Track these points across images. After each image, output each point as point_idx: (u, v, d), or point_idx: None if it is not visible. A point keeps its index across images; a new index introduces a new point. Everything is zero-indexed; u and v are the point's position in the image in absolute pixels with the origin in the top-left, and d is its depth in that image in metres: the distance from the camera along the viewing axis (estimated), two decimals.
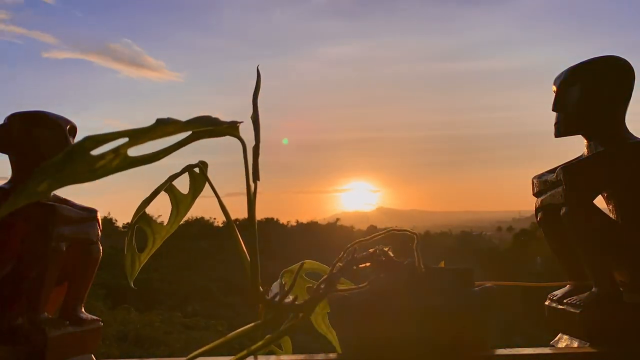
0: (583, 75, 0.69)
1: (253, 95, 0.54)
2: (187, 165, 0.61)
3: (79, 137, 0.74)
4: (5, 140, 0.69)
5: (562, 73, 0.71)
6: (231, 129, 0.50)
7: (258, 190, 0.53)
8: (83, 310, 0.69)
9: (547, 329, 0.69)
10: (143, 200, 0.60)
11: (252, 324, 0.53)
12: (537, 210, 0.72)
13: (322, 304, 0.65)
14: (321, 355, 0.60)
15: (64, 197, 0.71)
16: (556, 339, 0.67)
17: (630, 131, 0.68)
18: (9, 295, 0.62)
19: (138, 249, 0.62)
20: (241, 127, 0.51)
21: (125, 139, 0.36)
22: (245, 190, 0.52)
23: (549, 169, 0.72)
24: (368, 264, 0.57)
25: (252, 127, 0.54)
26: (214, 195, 0.60)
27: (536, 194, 0.72)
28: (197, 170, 0.61)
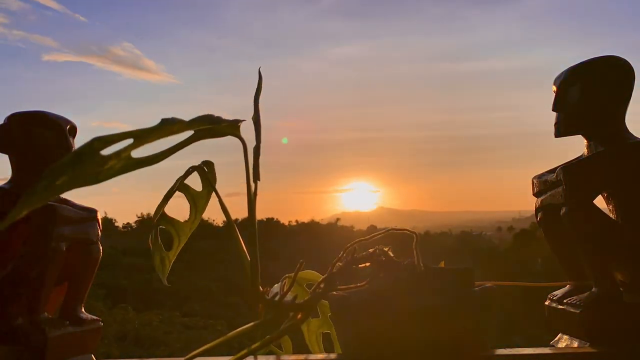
0: (583, 75, 0.69)
1: (254, 96, 0.55)
2: (191, 167, 0.62)
3: (79, 139, 0.74)
4: (5, 140, 0.69)
5: (562, 73, 0.71)
6: (232, 128, 0.50)
7: (258, 190, 0.53)
8: (83, 310, 0.69)
9: (547, 329, 0.69)
10: (159, 203, 0.62)
11: (252, 324, 0.53)
12: (537, 210, 0.72)
13: (318, 322, 0.65)
14: (321, 355, 0.60)
15: (64, 197, 0.71)
16: (556, 339, 0.67)
17: (630, 131, 0.68)
18: (9, 295, 0.62)
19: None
20: (242, 127, 0.51)
21: (131, 140, 0.36)
22: (245, 190, 0.53)
23: (549, 169, 0.72)
24: (368, 264, 0.57)
25: (253, 127, 0.54)
26: (214, 195, 0.60)
27: (536, 194, 0.72)
28: (205, 168, 0.62)
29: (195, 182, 0.63)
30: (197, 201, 0.63)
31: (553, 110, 0.71)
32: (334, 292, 0.55)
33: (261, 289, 0.53)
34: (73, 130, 0.73)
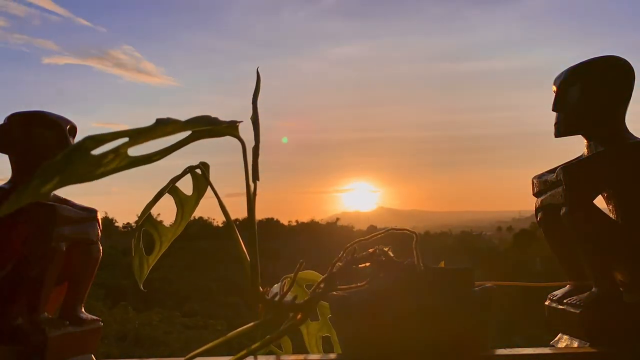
0: (583, 75, 0.69)
1: (253, 96, 0.55)
2: (188, 167, 0.61)
3: (79, 139, 0.74)
4: (5, 140, 0.69)
5: (562, 73, 0.71)
6: (230, 128, 0.50)
7: (258, 190, 0.53)
8: (83, 310, 0.69)
9: (547, 329, 0.69)
10: (148, 203, 0.60)
11: (252, 324, 0.53)
12: (537, 210, 0.72)
13: (318, 325, 0.65)
14: (321, 355, 0.60)
15: (64, 197, 0.71)
16: (556, 339, 0.67)
17: (630, 131, 0.68)
18: (9, 295, 0.62)
19: (145, 251, 0.62)
20: (241, 127, 0.51)
21: (126, 139, 0.36)
22: (245, 191, 0.53)
23: (549, 169, 0.72)
24: (368, 264, 0.56)
25: (252, 127, 0.54)
26: (214, 195, 0.60)
27: (536, 194, 0.72)
28: (198, 171, 0.61)
29: (188, 184, 0.62)
30: (185, 205, 0.62)
31: (553, 110, 0.71)
32: (334, 292, 0.55)
33: (261, 289, 0.53)
34: (73, 130, 0.73)
